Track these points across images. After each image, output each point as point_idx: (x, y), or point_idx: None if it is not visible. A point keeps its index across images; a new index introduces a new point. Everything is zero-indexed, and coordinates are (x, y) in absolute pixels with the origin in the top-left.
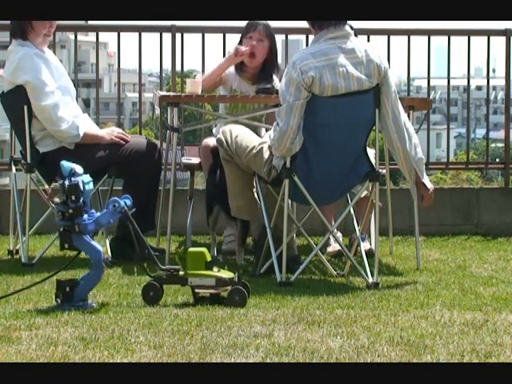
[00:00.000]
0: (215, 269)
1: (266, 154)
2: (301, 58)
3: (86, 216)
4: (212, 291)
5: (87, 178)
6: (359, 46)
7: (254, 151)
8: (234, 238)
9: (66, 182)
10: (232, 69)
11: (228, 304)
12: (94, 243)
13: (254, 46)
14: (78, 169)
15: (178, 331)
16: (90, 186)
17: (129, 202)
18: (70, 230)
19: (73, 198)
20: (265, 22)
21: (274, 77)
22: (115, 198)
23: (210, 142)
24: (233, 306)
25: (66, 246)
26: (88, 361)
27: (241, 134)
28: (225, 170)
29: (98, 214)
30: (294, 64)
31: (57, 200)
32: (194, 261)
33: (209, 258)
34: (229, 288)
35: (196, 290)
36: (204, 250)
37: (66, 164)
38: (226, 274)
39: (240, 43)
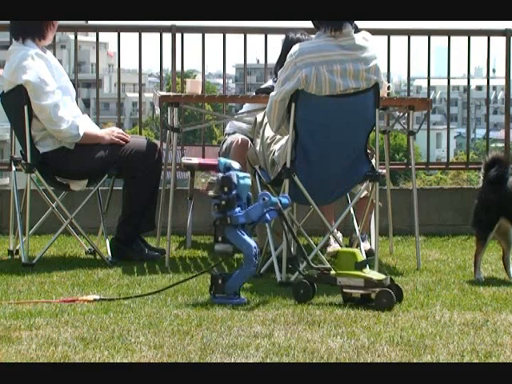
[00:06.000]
0: (366, 270)
1: (277, 146)
2: (300, 51)
3: (238, 209)
4: (361, 291)
5: (243, 174)
6: (360, 43)
7: (269, 140)
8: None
9: (220, 175)
10: None
11: (375, 306)
12: (246, 237)
13: None
14: (234, 164)
15: (178, 331)
16: (246, 181)
17: (285, 201)
18: (223, 223)
19: (225, 189)
20: None
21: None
22: (265, 191)
23: (238, 138)
24: (380, 309)
25: (220, 239)
26: (88, 361)
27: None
28: None
29: (250, 207)
30: (295, 53)
31: (211, 193)
32: (345, 261)
33: (360, 259)
34: (377, 290)
35: (344, 290)
36: (356, 250)
37: (223, 159)
38: (375, 276)
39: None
